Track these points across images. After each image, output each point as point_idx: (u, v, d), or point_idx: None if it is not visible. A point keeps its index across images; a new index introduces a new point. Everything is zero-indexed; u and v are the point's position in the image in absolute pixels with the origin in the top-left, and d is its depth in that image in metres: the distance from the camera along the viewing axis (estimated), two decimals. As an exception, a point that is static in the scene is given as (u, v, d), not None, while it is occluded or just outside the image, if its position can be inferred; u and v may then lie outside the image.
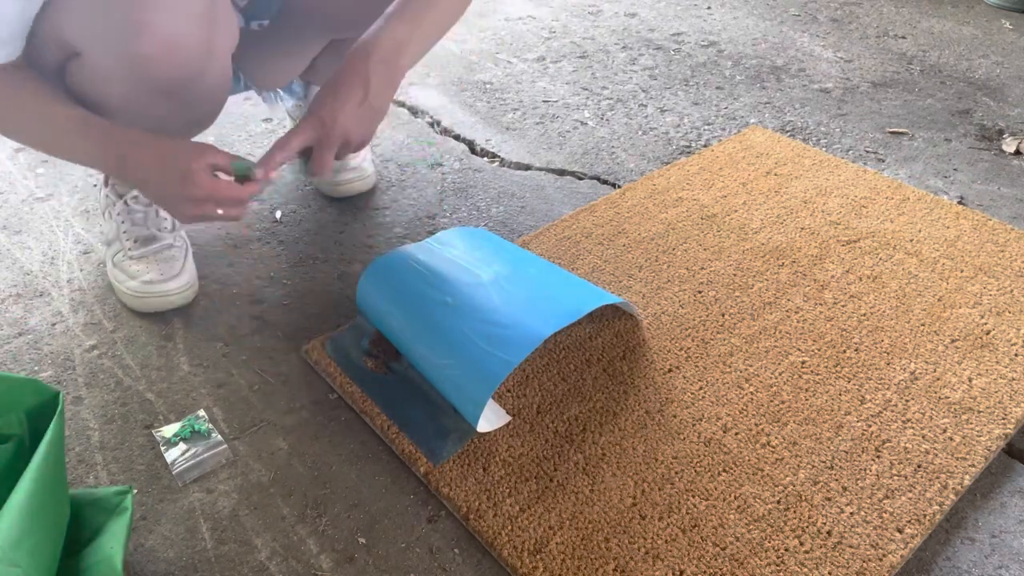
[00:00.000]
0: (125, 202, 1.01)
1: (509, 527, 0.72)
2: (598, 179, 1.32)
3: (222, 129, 1.43)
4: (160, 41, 0.75)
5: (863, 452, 0.80)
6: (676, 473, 0.78)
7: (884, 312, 0.98)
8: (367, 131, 0.85)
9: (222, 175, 0.81)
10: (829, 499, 0.75)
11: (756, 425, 0.83)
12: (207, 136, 1.40)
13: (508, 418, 0.84)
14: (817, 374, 0.89)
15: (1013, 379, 0.88)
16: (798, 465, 0.78)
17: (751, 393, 0.87)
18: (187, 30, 0.77)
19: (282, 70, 1.10)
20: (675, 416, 0.84)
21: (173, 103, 0.83)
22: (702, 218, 1.16)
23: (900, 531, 0.72)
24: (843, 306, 0.99)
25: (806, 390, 0.87)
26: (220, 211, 0.80)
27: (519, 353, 0.78)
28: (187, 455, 0.79)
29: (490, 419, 0.83)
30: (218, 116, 0.95)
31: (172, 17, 0.75)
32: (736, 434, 0.82)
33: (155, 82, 0.78)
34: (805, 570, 0.69)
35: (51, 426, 0.60)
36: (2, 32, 0.73)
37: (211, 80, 0.85)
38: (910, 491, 0.76)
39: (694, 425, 0.83)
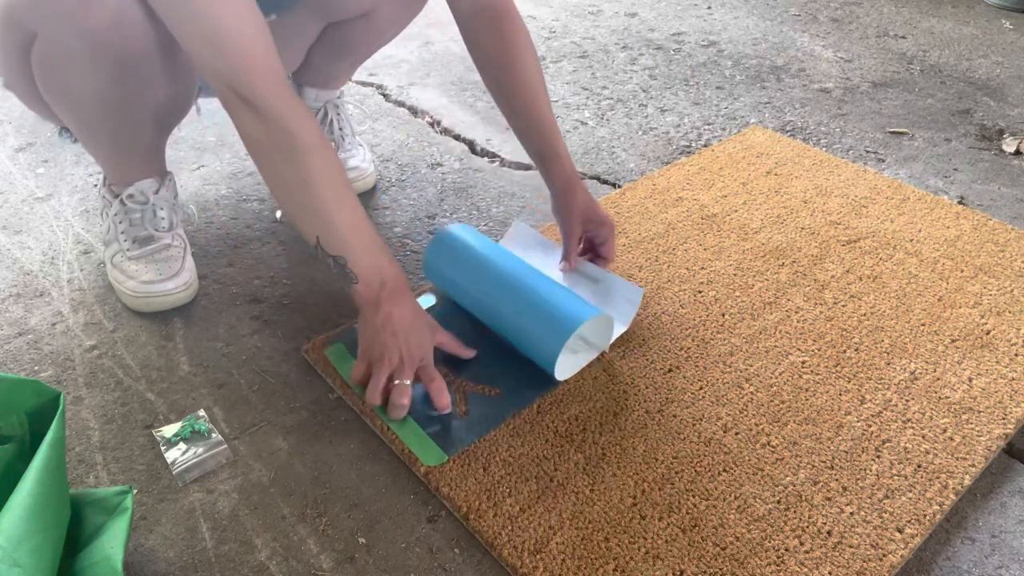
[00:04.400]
0: (122, 202, 1.00)
1: (509, 527, 0.72)
2: (598, 179, 1.32)
3: (223, 129, 1.43)
4: (107, 13, 0.76)
5: (863, 452, 0.80)
6: (676, 473, 0.78)
7: (884, 312, 0.98)
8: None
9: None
10: (829, 499, 0.75)
11: (756, 425, 0.83)
12: (207, 135, 1.40)
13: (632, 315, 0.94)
14: (817, 374, 0.89)
15: (1013, 379, 0.88)
16: (798, 465, 0.78)
17: (751, 393, 0.87)
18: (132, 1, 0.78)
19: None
20: (675, 416, 0.84)
21: (131, 81, 0.83)
22: (702, 218, 1.16)
23: (900, 531, 0.72)
24: (843, 306, 0.99)
25: (806, 390, 0.87)
26: (379, 396, 0.82)
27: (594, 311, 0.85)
28: (187, 455, 0.79)
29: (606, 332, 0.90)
30: (189, 105, 0.95)
31: None
32: (736, 434, 0.82)
33: (107, 55, 0.79)
34: (805, 570, 0.69)
35: (52, 427, 0.60)
36: None
37: (170, 55, 0.85)
38: (910, 491, 0.76)
39: (694, 425, 0.83)
